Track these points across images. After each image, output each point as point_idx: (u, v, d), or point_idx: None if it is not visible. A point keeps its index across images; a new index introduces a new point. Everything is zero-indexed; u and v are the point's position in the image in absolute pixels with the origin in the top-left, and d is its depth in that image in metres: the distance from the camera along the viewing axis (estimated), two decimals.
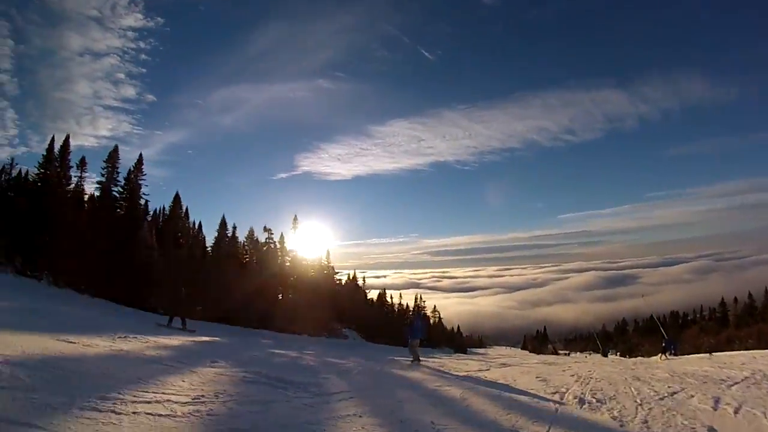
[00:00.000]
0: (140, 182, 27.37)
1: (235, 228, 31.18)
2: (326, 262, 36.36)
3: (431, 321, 53.93)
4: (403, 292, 55.96)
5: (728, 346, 29.77)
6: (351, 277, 40.06)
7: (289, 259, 31.49)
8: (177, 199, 29.84)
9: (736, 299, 52.89)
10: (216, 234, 29.93)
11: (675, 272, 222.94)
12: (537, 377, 9.49)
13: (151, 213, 29.02)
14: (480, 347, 71.73)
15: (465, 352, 44.93)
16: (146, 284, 22.12)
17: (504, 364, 16.08)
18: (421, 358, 12.24)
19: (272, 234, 30.44)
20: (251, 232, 30.91)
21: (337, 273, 37.74)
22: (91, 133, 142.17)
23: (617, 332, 68.62)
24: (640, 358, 28.32)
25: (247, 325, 22.59)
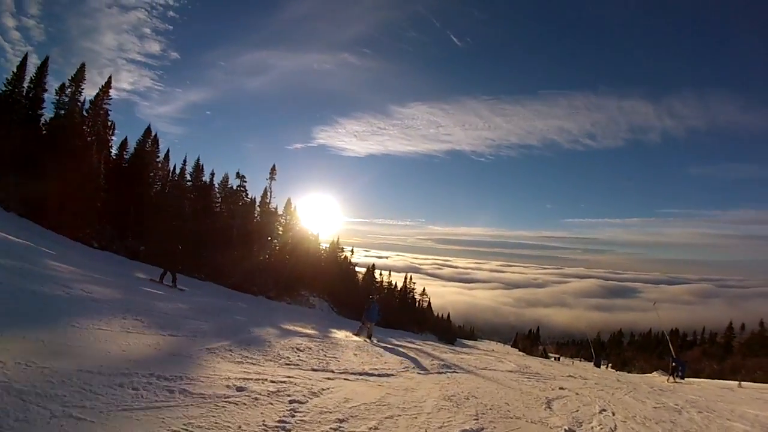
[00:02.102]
0: (106, 106, 24.84)
1: (213, 174, 28.41)
2: (305, 226, 33.50)
3: (419, 305, 51.65)
4: (401, 274, 53.64)
5: (732, 375, 27.31)
6: (333, 246, 37.04)
7: (260, 212, 28.53)
8: (148, 132, 27.04)
9: (743, 326, 49.88)
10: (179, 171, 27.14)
11: (675, 291, 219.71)
12: (471, 419, 4.83)
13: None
14: (471, 339, 69.77)
15: (452, 342, 41.99)
16: (87, 215, 19.54)
17: (448, 367, 9.85)
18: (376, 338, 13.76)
19: (245, 181, 27.44)
20: (225, 179, 27.98)
21: (311, 237, 34.72)
22: (112, 85, 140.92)
23: (612, 343, 66.93)
24: (638, 374, 25.79)
25: (194, 275, 19.94)
